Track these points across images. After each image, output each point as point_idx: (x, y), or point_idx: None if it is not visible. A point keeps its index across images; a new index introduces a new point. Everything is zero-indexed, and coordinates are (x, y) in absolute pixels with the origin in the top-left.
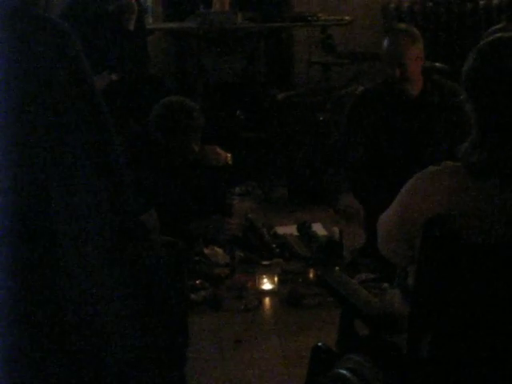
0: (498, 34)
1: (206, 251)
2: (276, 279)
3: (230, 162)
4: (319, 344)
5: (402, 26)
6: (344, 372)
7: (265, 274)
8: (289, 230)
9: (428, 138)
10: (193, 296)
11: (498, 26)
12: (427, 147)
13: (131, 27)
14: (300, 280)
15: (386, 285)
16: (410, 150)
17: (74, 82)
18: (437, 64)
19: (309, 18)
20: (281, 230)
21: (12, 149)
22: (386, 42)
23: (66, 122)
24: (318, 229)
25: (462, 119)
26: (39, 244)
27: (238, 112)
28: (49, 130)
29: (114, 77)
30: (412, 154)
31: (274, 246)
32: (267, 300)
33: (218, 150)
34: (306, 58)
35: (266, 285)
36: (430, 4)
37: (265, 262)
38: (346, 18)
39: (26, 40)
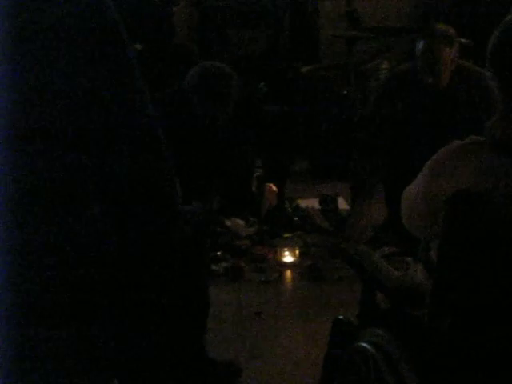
0: None
1: (227, 223)
2: (297, 252)
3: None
4: (340, 317)
5: (440, 27)
6: (365, 345)
7: (286, 247)
8: (311, 203)
9: (452, 129)
10: (214, 267)
11: None
12: (451, 135)
13: None
14: (321, 253)
15: (408, 259)
16: (434, 138)
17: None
18: (462, 40)
19: None
20: (303, 203)
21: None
22: (421, 45)
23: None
24: (341, 203)
25: (487, 105)
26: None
27: (261, 84)
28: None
29: (138, 47)
30: (436, 141)
31: (296, 218)
32: (288, 272)
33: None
34: (330, 32)
35: (287, 257)
36: None
37: (286, 235)
38: None
39: None
